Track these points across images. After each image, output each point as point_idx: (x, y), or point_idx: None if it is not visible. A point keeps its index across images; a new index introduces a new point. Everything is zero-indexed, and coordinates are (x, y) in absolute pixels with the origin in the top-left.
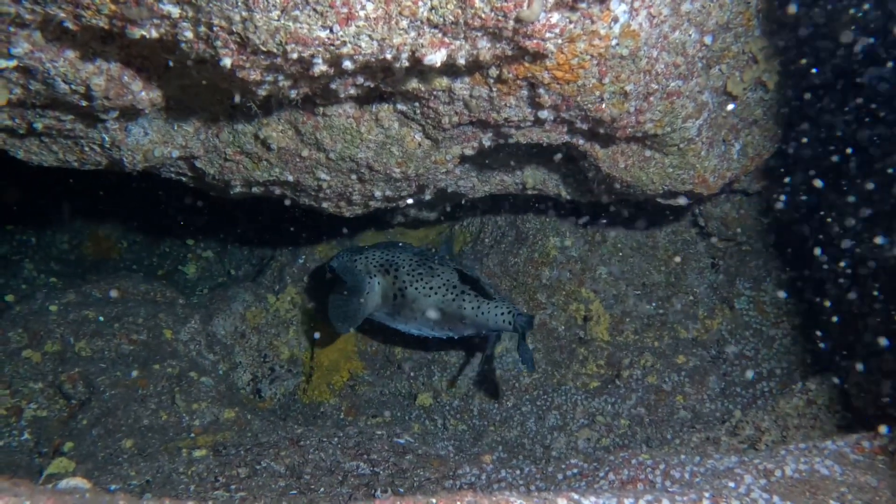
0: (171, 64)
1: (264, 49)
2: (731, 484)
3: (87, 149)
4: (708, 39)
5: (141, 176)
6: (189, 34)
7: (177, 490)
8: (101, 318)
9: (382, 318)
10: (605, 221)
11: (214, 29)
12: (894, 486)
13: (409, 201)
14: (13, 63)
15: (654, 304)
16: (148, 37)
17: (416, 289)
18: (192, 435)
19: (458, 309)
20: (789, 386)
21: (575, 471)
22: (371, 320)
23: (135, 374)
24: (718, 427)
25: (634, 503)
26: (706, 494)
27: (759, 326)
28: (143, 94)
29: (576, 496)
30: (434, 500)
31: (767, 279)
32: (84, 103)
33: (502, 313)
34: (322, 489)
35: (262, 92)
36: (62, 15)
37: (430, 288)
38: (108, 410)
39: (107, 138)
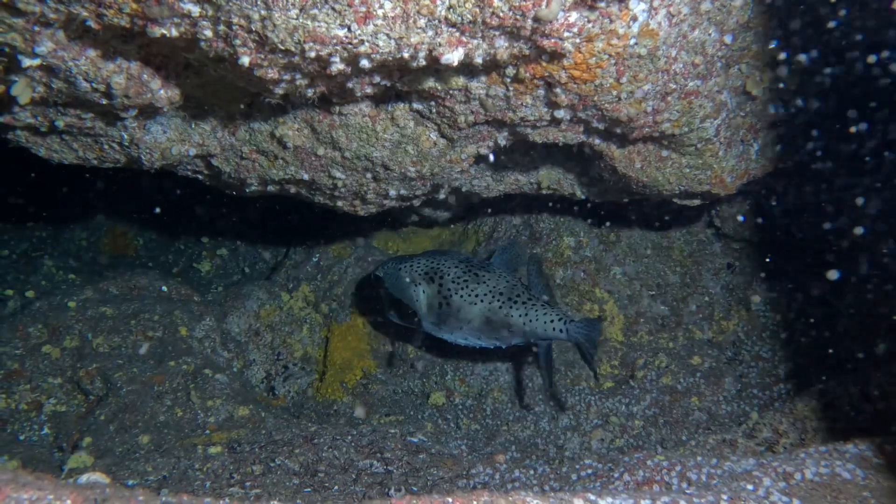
0: (190, 62)
1: (282, 48)
2: (750, 486)
3: (106, 146)
4: (728, 38)
5: (158, 173)
6: (209, 33)
7: (193, 486)
8: (118, 315)
9: (429, 329)
10: (620, 221)
11: (234, 27)
12: None
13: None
14: (37, 62)
15: (669, 305)
16: (168, 35)
17: (462, 297)
18: (208, 431)
19: (505, 317)
20: (807, 388)
21: (589, 471)
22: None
23: (151, 371)
24: (735, 429)
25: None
26: (724, 497)
27: (775, 328)
28: (162, 92)
29: (592, 497)
30: (451, 500)
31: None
32: (104, 101)
33: (552, 321)
34: (336, 487)
35: (279, 91)
36: (85, 14)
37: (476, 295)
38: (125, 406)
39: (126, 136)
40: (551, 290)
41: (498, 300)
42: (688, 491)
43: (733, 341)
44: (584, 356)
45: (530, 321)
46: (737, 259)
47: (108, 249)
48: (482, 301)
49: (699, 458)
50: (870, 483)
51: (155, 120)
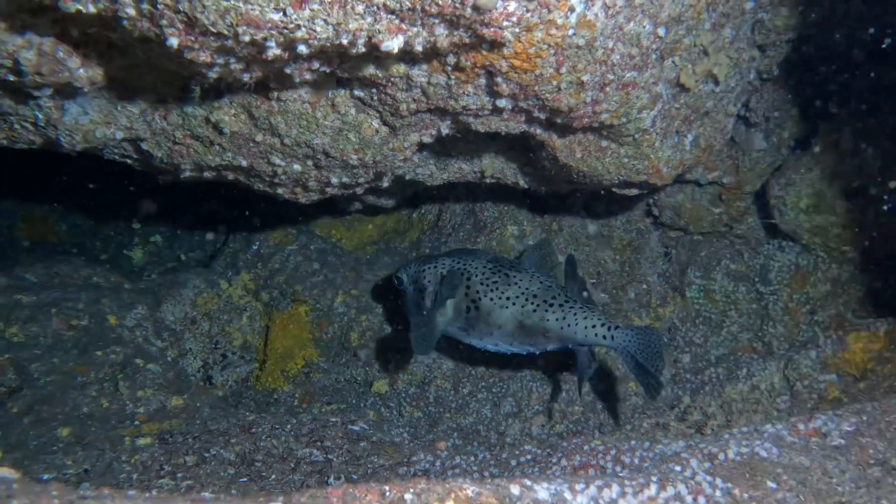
0: (113, 42)
1: (214, 30)
2: (678, 468)
3: (17, 126)
4: (661, 31)
5: (82, 157)
6: (131, 10)
7: (118, 479)
8: (35, 303)
9: (456, 334)
10: (562, 210)
11: (159, 6)
12: (825, 466)
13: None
14: None
15: (608, 293)
16: (85, 11)
17: (491, 300)
18: (137, 423)
19: (541, 321)
20: (735, 372)
21: (529, 457)
22: (445, 336)
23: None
24: (668, 413)
25: (585, 488)
26: (654, 479)
27: (708, 315)
28: (81, 71)
29: (528, 482)
30: (387, 488)
31: (717, 268)
32: (12, 78)
33: (593, 325)
34: (274, 476)
35: (212, 75)
36: None
37: (507, 298)
38: (42, 398)
39: (41, 116)
40: (590, 293)
41: (532, 303)
42: (621, 474)
43: (669, 328)
44: (633, 369)
45: (568, 325)
46: (673, 247)
47: (26, 236)
48: (514, 304)
49: (633, 442)
50: (783, 460)
51: (75, 100)
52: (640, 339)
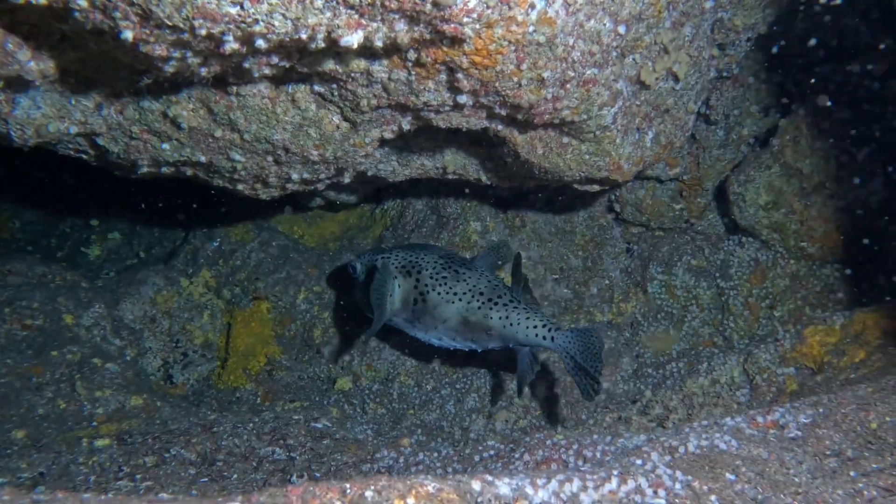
0: (66, 34)
1: (170, 23)
2: (639, 461)
3: None
4: (622, 29)
5: (36, 151)
6: (83, 2)
7: (75, 482)
8: None
9: (401, 325)
10: (525, 206)
11: None
12: (782, 458)
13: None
14: None
15: (571, 289)
16: (35, 3)
17: (439, 294)
18: (95, 423)
19: (484, 318)
20: (696, 366)
21: (492, 452)
22: (390, 327)
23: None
24: (630, 407)
25: (546, 483)
26: (615, 472)
27: (669, 310)
28: (32, 64)
29: (490, 478)
30: (348, 485)
31: (678, 264)
32: None
33: (534, 326)
34: (235, 476)
35: (168, 69)
36: None
37: (454, 293)
38: None
39: None
40: (531, 292)
41: (478, 300)
42: (583, 468)
43: (631, 323)
44: (572, 370)
45: (511, 325)
46: (635, 243)
47: None
48: (460, 300)
49: (595, 437)
50: (742, 452)
51: (26, 94)
52: (580, 341)
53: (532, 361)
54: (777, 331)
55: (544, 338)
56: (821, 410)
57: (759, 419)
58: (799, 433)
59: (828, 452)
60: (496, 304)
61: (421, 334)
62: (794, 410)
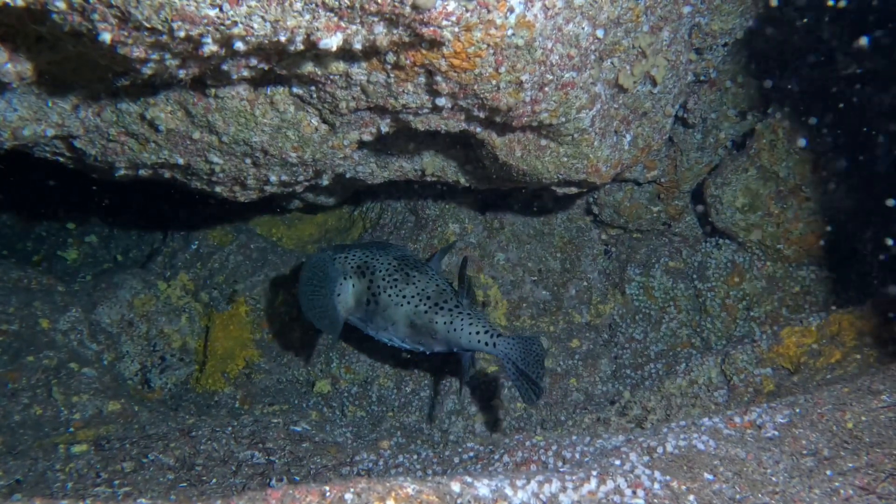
0: (43, 35)
1: (148, 25)
2: (617, 462)
3: None
4: (600, 33)
5: (11, 154)
6: (61, 4)
7: (52, 489)
8: None
9: (357, 323)
10: (504, 208)
11: (91, 0)
12: (759, 457)
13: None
14: None
15: (550, 290)
16: (12, 4)
17: (389, 296)
18: (72, 429)
19: (430, 322)
20: (674, 367)
21: (471, 454)
22: (349, 325)
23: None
24: (609, 408)
25: (526, 484)
26: (594, 473)
27: (647, 311)
28: (9, 66)
29: (469, 479)
30: (327, 488)
31: (656, 265)
32: None
33: (476, 332)
34: (214, 480)
35: (147, 71)
36: None
37: (403, 296)
38: None
39: None
40: (473, 296)
41: (424, 304)
42: (562, 469)
43: (609, 324)
44: (513, 375)
45: (454, 330)
46: (613, 245)
47: None
48: (409, 303)
49: (574, 438)
50: (719, 452)
51: (2, 96)
52: (521, 347)
53: (470, 366)
54: (754, 332)
55: (486, 343)
56: (797, 411)
57: (737, 419)
58: (776, 433)
59: (805, 452)
60: (441, 308)
61: (373, 333)
62: (771, 410)
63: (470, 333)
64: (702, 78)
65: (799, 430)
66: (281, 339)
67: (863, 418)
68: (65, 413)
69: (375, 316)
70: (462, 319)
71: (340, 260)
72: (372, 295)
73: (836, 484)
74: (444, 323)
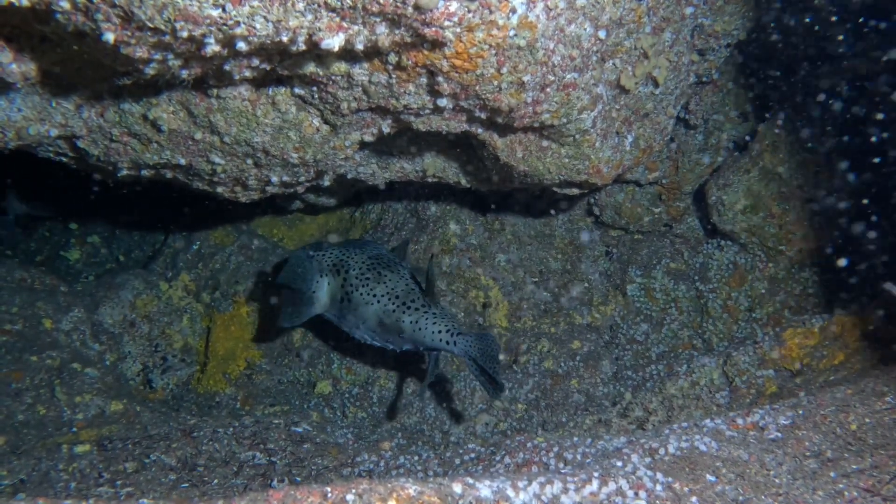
0: (47, 36)
1: (151, 25)
2: (619, 463)
3: None
4: (602, 34)
5: (15, 154)
6: (66, 4)
7: (55, 488)
8: None
9: (332, 319)
10: (505, 209)
11: (94, 0)
12: (762, 459)
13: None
14: None
15: (550, 292)
16: (17, 5)
17: (361, 294)
18: (75, 429)
19: (397, 321)
20: (675, 369)
21: (472, 455)
22: (325, 320)
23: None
24: (610, 409)
25: (527, 485)
26: (595, 474)
27: (649, 312)
28: (14, 66)
29: (471, 480)
30: (329, 489)
31: (658, 267)
32: None
33: (439, 331)
34: (216, 481)
35: (149, 71)
36: None
37: (374, 295)
38: None
39: None
40: (436, 296)
41: (393, 303)
42: (563, 470)
43: (610, 325)
44: (474, 371)
45: (419, 329)
46: (614, 246)
47: None
48: (378, 302)
49: (575, 439)
50: (722, 454)
51: (7, 96)
52: (480, 345)
53: (435, 366)
54: (756, 333)
55: (447, 342)
56: (800, 412)
57: (739, 421)
58: (779, 435)
59: (808, 454)
60: (409, 308)
61: (347, 330)
62: (773, 412)
63: (433, 332)
64: (704, 79)
65: (802, 432)
66: (282, 339)
67: (867, 420)
68: (68, 413)
69: (348, 313)
70: (427, 319)
71: (318, 258)
72: (345, 293)
73: (841, 486)
74: (410, 322)
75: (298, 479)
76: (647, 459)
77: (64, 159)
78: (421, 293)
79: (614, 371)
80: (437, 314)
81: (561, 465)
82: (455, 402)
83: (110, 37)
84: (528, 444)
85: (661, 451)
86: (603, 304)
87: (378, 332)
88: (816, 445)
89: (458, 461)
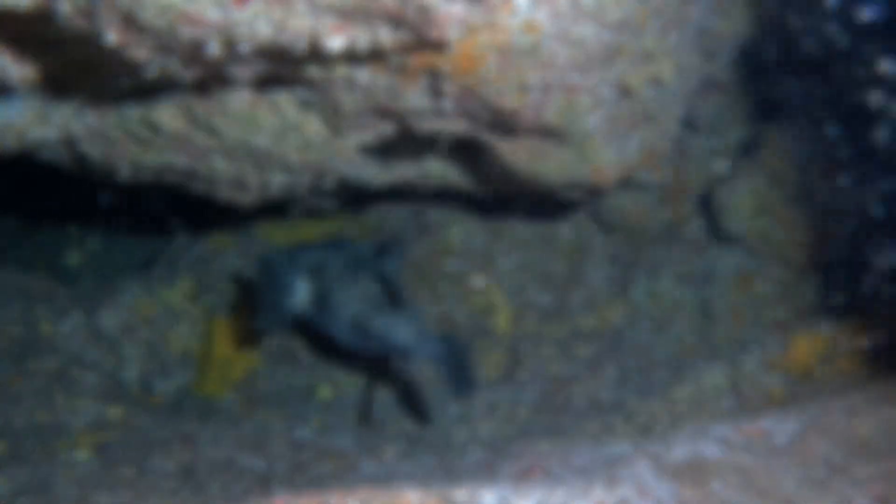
0: (48, 38)
1: (153, 28)
2: (624, 469)
3: None
4: (606, 36)
5: (13, 158)
6: (67, 7)
7: (55, 494)
8: None
9: (310, 322)
10: (508, 212)
11: (96, 3)
12: (770, 466)
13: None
14: None
15: (554, 295)
16: (19, 7)
17: (335, 297)
18: (74, 435)
19: (367, 324)
20: (681, 374)
21: (475, 461)
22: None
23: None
24: (614, 415)
25: (531, 491)
26: (600, 480)
27: (653, 317)
28: (15, 69)
29: (474, 487)
30: (330, 496)
31: (662, 271)
32: None
33: (407, 334)
34: (216, 487)
35: (150, 73)
36: None
37: (348, 298)
38: None
39: None
40: (399, 297)
41: (366, 306)
42: (568, 477)
43: (615, 330)
44: (444, 375)
45: (386, 332)
46: (619, 250)
47: None
48: (352, 304)
49: (580, 445)
50: (727, 460)
51: (7, 100)
52: (446, 348)
53: (401, 370)
54: (763, 338)
55: (412, 346)
56: (808, 418)
57: (746, 427)
58: (786, 441)
59: (817, 460)
60: (379, 311)
61: (324, 332)
62: (781, 418)
63: (399, 335)
64: (710, 81)
65: (810, 439)
66: (282, 344)
67: (876, 426)
68: (67, 418)
69: (323, 315)
70: (394, 322)
71: (294, 259)
72: (321, 295)
73: (850, 493)
74: (379, 326)
75: (299, 485)
76: (653, 465)
77: (64, 163)
78: (390, 296)
79: (619, 376)
80: (403, 318)
81: (565, 471)
82: (458, 407)
83: (112, 39)
84: (532, 450)
85: (668, 457)
86: (607, 308)
87: (350, 334)
88: (825, 452)
89: (461, 467)
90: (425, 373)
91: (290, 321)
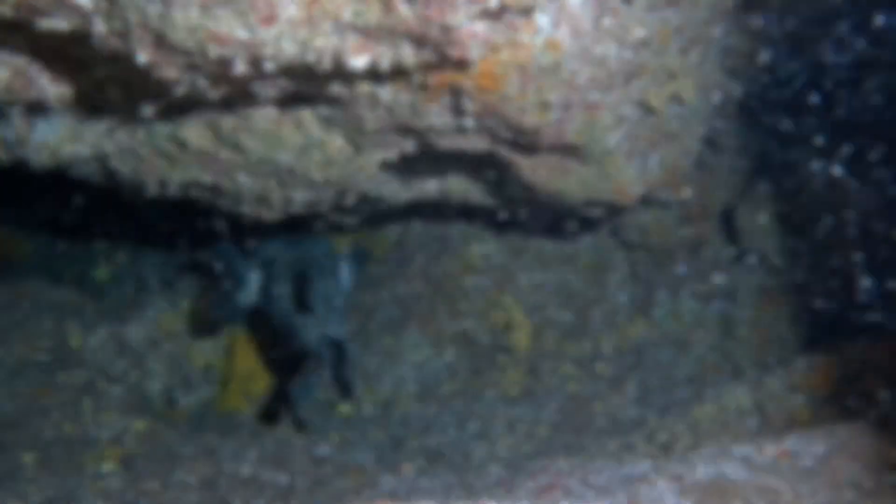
0: (83, 58)
1: (182, 47)
2: (645, 489)
3: None
4: (628, 54)
5: (46, 174)
6: (102, 28)
7: None
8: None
9: (264, 316)
10: (528, 230)
11: (130, 24)
12: (796, 488)
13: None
14: None
15: (574, 313)
16: (58, 30)
17: (275, 293)
18: (100, 447)
19: (290, 324)
20: (702, 393)
21: (494, 478)
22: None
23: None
24: (635, 433)
25: None
26: (621, 500)
27: (675, 335)
28: (52, 88)
29: (493, 503)
30: None
31: (684, 289)
32: None
33: (312, 333)
34: (238, 501)
35: (179, 91)
36: None
37: (279, 296)
38: (6, 424)
39: (10, 135)
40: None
41: (290, 304)
42: (588, 495)
43: (636, 348)
44: (331, 375)
45: (299, 332)
46: (639, 268)
47: None
48: (282, 302)
49: (600, 463)
50: (752, 482)
51: (43, 118)
52: (337, 350)
53: (318, 369)
54: (787, 358)
55: (317, 347)
56: (836, 440)
57: (771, 448)
58: (813, 463)
59: (845, 483)
60: (302, 312)
61: (274, 327)
62: (807, 439)
63: (305, 334)
64: (732, 100)
65: (838, 461)
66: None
67: None
68: (94, 431)
69: (269, 311)
70: (304, 318)
71: (249, 251)
72: (266, 292)
73: None
74: (299, 326)
75: (320, 500)
76: (675, 485)
77: (94, 178)
78: (320, 299)
79: (639, 395)
80: (314, 316)
81: (585, 489)
82: (477, 423)
83: (143, 58)
84: (552, 468)
85: (689, 477)
86: (628, 326)
87: (283, 332)
88: (854, 475)
89: (479, 484)
90: (309, 375)
91: (243, 313)
